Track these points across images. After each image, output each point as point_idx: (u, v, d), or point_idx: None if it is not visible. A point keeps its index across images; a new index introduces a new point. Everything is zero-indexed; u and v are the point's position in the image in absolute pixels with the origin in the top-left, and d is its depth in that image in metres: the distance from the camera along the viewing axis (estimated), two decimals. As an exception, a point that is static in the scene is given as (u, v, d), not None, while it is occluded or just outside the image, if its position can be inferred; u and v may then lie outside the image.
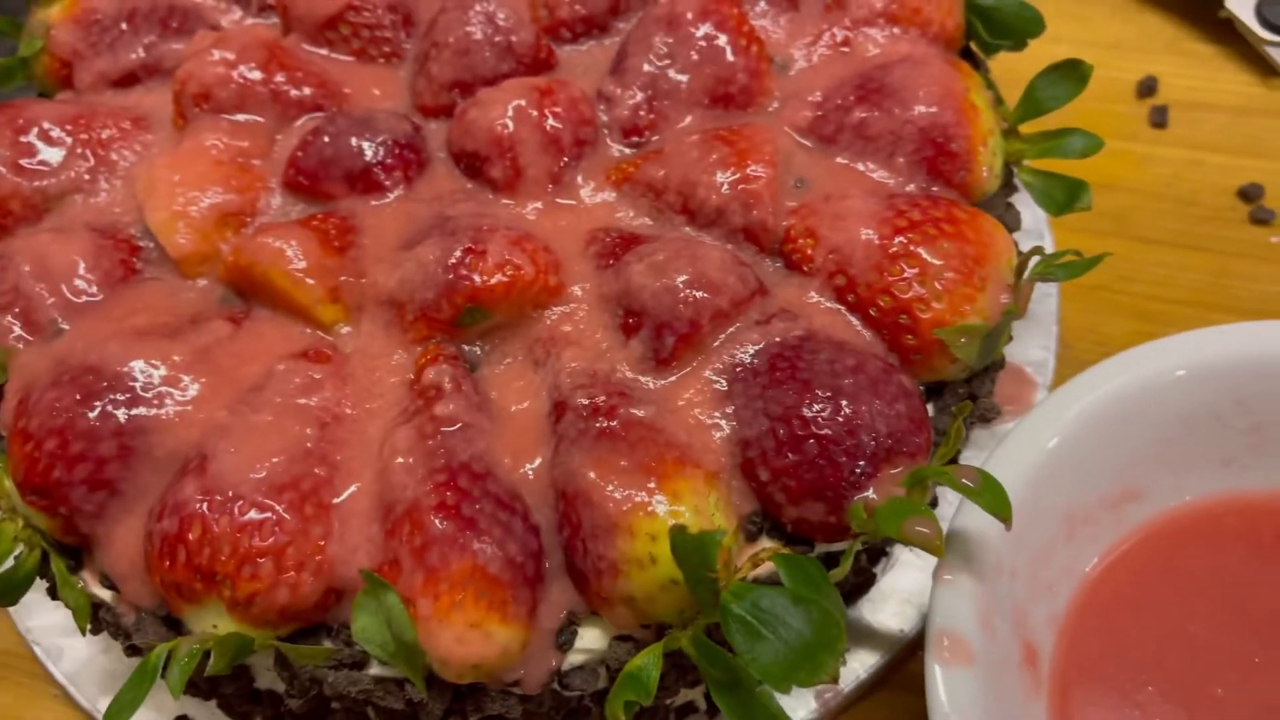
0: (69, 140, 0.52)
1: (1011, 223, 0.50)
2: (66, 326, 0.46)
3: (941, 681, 0.40)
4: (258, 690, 0.46)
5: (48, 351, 0.45)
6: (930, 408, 0.45)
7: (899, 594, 0.50)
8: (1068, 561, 0.47)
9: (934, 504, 0.48)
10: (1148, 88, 0.68)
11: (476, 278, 0.44)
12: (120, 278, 0.48)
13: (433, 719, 0.41)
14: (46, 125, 0.51)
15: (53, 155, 0.51)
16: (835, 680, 0.35)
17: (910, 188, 0.48)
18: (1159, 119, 0.67)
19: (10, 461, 0.43)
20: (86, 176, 0.52)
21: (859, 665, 0.48)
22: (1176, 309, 0.60)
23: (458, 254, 0.44)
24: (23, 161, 0.51)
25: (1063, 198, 0.49)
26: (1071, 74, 0.49)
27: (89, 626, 0.44)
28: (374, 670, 0.41)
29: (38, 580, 0.44)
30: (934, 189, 0.48)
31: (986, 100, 0.49)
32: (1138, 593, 0.48)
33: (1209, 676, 0.45)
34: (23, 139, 0.51)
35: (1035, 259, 0.44)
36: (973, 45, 0.55)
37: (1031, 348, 0.56)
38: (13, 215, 0.51)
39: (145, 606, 0.42)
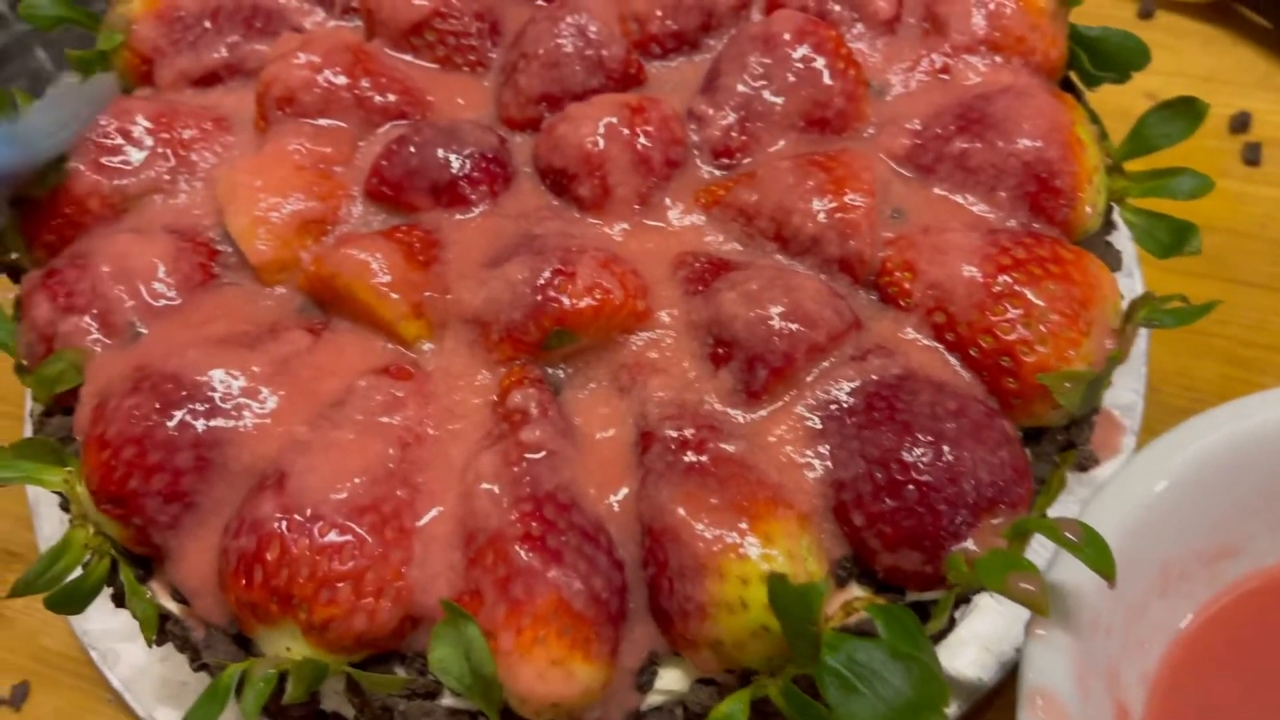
0: (150, 139, 0.51)
1: (1112, 262, 0.48)
2: (144, 330, 0.46)
3: (1036, 743, 0.39)
4: (323, 712, 0.44)
5: (126, 356, 0.45)
6: (1028, 453, 0.43)
7: (978, 640, 0.49)
8: (1161, 618, 0.46)
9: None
10: (1241, 123, 0.66)
11: (565, 300, 0.42)
12: (199, 282, 0.47)
13: (505, 754, 0.40)
14: (128, 123, 0.51)
15: (134, 154, 0.51)
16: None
17: (1011, 223, 0.46)
18: (1252, 156, 0.65)
19: (85, 468, 0.42)
20: (167, 177, 0.51)
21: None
22: (1270, 355, 0.58)
23: (546, 275, 0.43)
24: (103, 159, 0.50)
25: (1168, 240, 0.47)
26: (1186, 112, 0.47)
27: (155, 638, 0.43)
28: (447, 701, 0.40)
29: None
30: (1035, 225, 0.46)
31: (1092, 135, 0.48)
32: (1232, 652, 0.46)
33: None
34: (104, 136, 0.50)
35: (1139, 304, 0.43)
36: (1073, 76, 0.53)
37: (1121, 391, 0.54)
38: (91, 214, 0.50)
39: (216, 623, 0.41)
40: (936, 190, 0.47)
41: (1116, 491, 0.44)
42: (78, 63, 0.56)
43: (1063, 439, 0.44)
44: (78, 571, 0.43)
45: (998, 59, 0.51)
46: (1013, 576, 0.37)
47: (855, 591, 0.40)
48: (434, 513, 0.40)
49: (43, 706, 0.54)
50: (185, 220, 0.50)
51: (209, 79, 0.55)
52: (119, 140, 0.50)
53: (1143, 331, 0.57)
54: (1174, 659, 0.46)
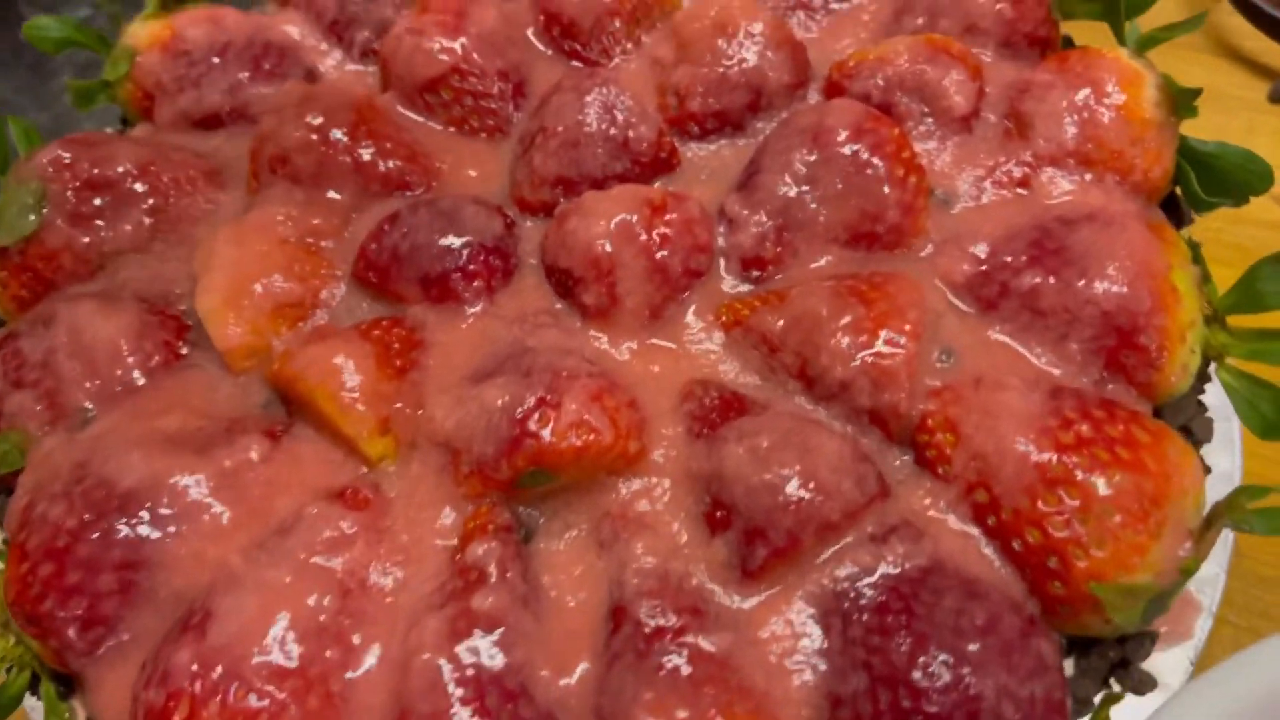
0: (134, 189, 0.47)
1: (1201, 434, 0.41)
2: (95, 414, 0.42)
3: None
4: None
5: (69, 447, 0.40)
6: (1069, 665, 0.37)
7: None
8: None
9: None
10: (1381, 240, 0.57)
11: (545, 435, 0.37)
12: (162, 362, 0.43)
13: None
14: (111, 172, 0.47)
15: (113, 207, 0.46)
16: None
17: (1082, 381, 0.39)
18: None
19: (5, 579, 0.38)
20: (146, 235, 0.47)
21: None
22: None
23: (528, 404, 0.37)
24: (81, 209, 0.46)
25: (1273, 415, 0.39)
26: (1307, 266, 0.39)
27: (75, 757, 0.39)
28: None
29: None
30: (1111, 386, 0.39)
31: (1191, 281, 0.40)
32: None
33: None
34: (84, 185, 0.46)
35: (1225, 506, 0.35)
36: (1178, 193, 0.46)
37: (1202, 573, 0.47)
38: (63, 270, 0.46)
39: (129, 763, 0.37)
40: (997, 333, 0.41)
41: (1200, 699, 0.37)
42: (80, 93, 0.52)
43: (1115, 656, 0.37)
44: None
45: (1088, 176, 0.43)
46: None
47: (844, 821, 0.34)
48: (368, 674, 0.35)
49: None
50: (158, 286, 0.45)
51: (211, 121, 0.51)
52: (100, 189, 0.46)
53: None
54: None
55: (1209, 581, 0.46)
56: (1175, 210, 0.46)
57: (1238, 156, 0.43)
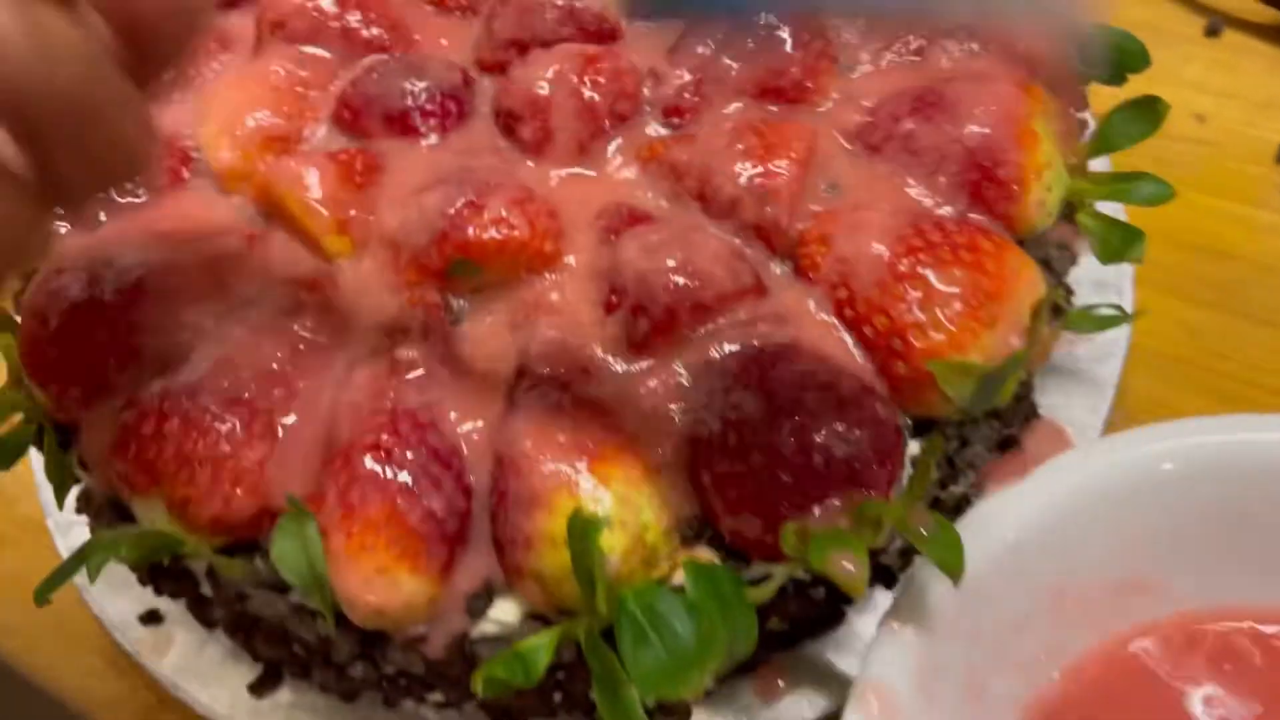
0: (156, 51, 0.54)
1: (1060, 267, 0.46)
2: (105, 219, 0.49)
3: (856, 737, 0.37)
4: (204, 596, 0.47)
5: (82, 240, 0.48)
6: (915, 445, 0.42)
7: (868, 639, 0.47)
8: (1049, 641, 0.43)
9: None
10: (1291, 153, 0.61)
11: (470, 230, 0.43)
12: (168, 183, 0.50)
13: (341, 656, 0.41)
14: (138, 34, 0.54)
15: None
16: (698, 697, 0.32)
17: (947, 209, 0.45)
18: (1297, 188, 0.60)
19: (20, 335, 0.45)
20: (165, 89, 0.54)
21: (807, 706, 0.46)
22: (1266, 398, 0.54)
23: (457, 205, 0.44)
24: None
25: (1118, 246, 0.44)
26: (1148, 111, 0.44)
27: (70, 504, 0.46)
28: (295, 598, 0.41)
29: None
30: (973, 215, 0.45)
31: (1051, 129, 0.45)
32: (1124, 698, 0.43)
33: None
34: (115, 44, 0.54)
35: (1045, 301, 0.40)
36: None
37: (1080, 410, 0.51)
38: (92, 114, 0.54)
39: (108, 494, 0.44)
40: (879, 169, 0.46)
41: (1008, 498, 0.41)
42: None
43: (954, 434, 0.42)
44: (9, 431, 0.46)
45: (975, 46, 0.49)
46: (835, 554, 0.35)
47: (702, 553, 0.40)
48: (305, 416, 0.42)
49: (7, 563, 0.58)
50: (172, 128, 0.53)
51: (229, 3, 0.58)
52: (127, 48, 0.54)
53: (1119, 351, 0.54)
54: (1058, 689, 0.43)
55: (1085, 428, 0.51)
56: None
57: (1116, 36, 0.48)
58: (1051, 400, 0.52)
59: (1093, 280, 0.54)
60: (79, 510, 0.46)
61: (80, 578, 0.53)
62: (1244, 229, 0.59)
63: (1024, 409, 0.47)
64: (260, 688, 0.49)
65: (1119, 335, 0.53)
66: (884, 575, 0.46)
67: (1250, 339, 0.56)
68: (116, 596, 0.53)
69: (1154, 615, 0.44)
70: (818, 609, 0.44)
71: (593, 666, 0.36)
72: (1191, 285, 0.57)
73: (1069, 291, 0.48)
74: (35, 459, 0.58)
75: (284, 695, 0.49)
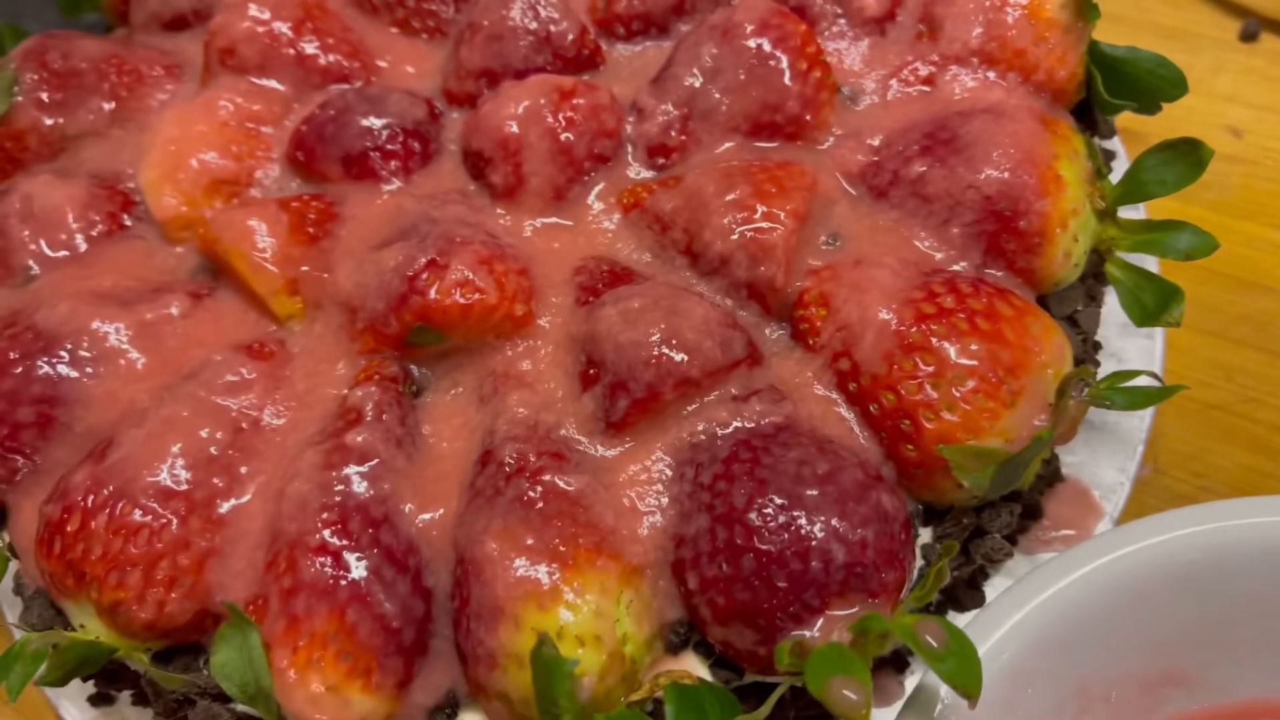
0: (96, 82, 0.50)
1: (1086, 325, 0.41)
2: (38, 273, 0.45)
3: None
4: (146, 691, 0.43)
5: (8, 297, 0.44)
6: (927, 534, 0.38)
7: (876, 729, 0.43)
8: (1076, 743, 0.39)
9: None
10: (1333, 173, 0.56)
11: (432, 294, 0.39)
12: (106, 232, 0.46)
13: (293, 772, 0.37)
14: (78, 63, 0.50)
15: (77, 95, 0.50)
16: None
17: (963, 265, 0.40)
18: (1340, 213, 0.55)
19: (-64, 409, 0.41)
20: (105, 121, 0.50)
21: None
22: (1308, 449, 0.49)
23: (418, 265, 0.39)
24: (46, 96, 0.49)
25: (1153, 305, 0.40)
26: (1189, 156, 0.39)
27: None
28: (240, 707, 0.37)
29: None
30: (991, 271, 0.40)
31: (1080, 173, 0.41)
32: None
33: None
34: (52, 74, 0.50)
35: (1074, 377, 0.36)
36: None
37: (1106, 468, 0.47)
38: (29, 150, 0.49)
39: (39, 585, 0.40)
40: (885, 218, 0.42)
41: (1026, 593, 0.37)
42: (67, 1, 0.56)
43: (969, 522, 0.38)
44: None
45: (991, 74, 0.44)
46: (835, 680, 0.31)
47: (690, 662, 0.36)
48: (249, 506, 0.38)
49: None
50: (113, 165, 0.49)
51: (178, 23, 0.54)
52: (64, 78, 0.50)
53: (1149, 407, 0.49)
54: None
55: (1112, 490, 0.47)
56: (1093, 121, 0.46)
57: (1148, 61, 0.43)
58: (1076, 459, 0.47)
59: (1118, 323, 0.50)
60: (15, 592, 0.42)
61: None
62: (1279, 259, 0.55)
63: (1046, 473, 0.43)
64: (215, 779, 0.45)
65: (1149, 380, 0.49)
66: (894, 660, 0.42)
67: (1289, 383, 0.51)
68: (65, 676, 0.49)
69: (1191, 708, 0.40)
70: (818, 711, 0.40)
71: (566, 803, 0.32)
72: (1226, 321, 0.53)
73: (1096, 349, 0.43)
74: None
75: (242, 789, 0.45)
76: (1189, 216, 0.56)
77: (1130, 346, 0.49)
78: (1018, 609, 0.37)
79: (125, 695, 0.48)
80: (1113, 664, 0.39)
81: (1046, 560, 0.39)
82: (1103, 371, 0.49)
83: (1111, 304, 0.50)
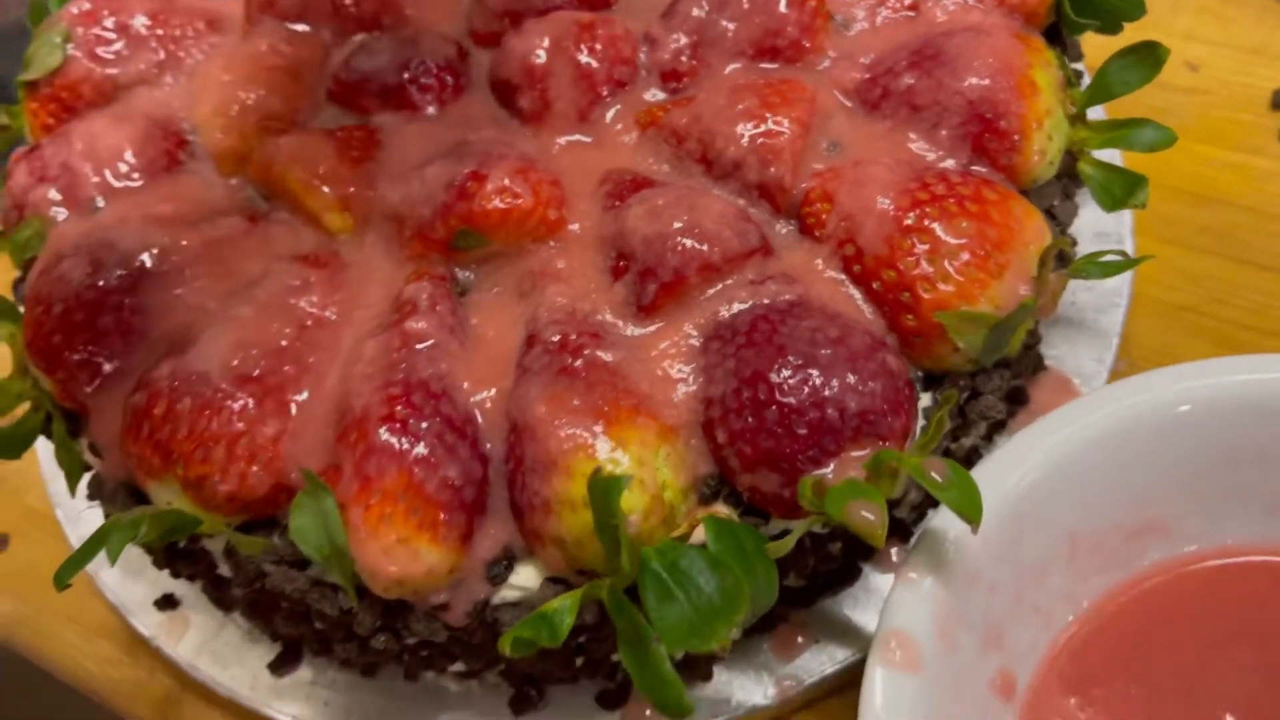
0: (145, 35, 0.54)
1: (1063, 217, 0.46)
2: (102, 205, 0.49)
3: (880, 684, 0.37)
4: (221, 577, 0.47)
5: (80, 224, 0.48)
6: (927, 398, 0.42)
7: (884, 595, 0.47)
8: (1066, 587, 0.43)
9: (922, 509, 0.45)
10: (1284, 99, 0.61)
11: (473, 201, 0.43)
12: (163, 167, 0.50)
13: (364, 629, 0.41)
14: (127, 18, 0.54)
15: (128, 47, 0.54)
16: (725, 649, 0.33)
17: (950, 163, 0.45)
18: (1291, 134, 0.60)
19: (24, 323, 0.45)
20: (155, 70, 0.54)
21: (827, 659, 0.46)
22: (1267, 341, 0.54)
23: (460, 176, 0.43)
24: (99, 50, 0.53)
25: (1120, 193, 0.44)
26: (1148, 57, 0.44)
27: (81, 491, 0.46)
28: (314, 572, 0.41)
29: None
30: (976, 167, 0.45)
31: (1051, 80, 0.45)
32: (1148, 638, 0.43)
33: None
34: (104, 28, 0.54)
35: (1053, 249, 0.41)
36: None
37: (1085, 359, 0.52)
38: (84, 99, 0.53)
39: (121, 478, 0.44)
40: (880, 126, 0.46)
41: (1020, 446, 0.42)
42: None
43: (966, 385, 0.42)
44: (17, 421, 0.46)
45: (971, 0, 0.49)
46: (853, 504, 0.36)
47: (720, 512, 0.40)
48: (319, 391, 0.42)
49: (18, 556, 0.58)
50: (164, 111, 0.52)
51: (216, -18, 0.58)
52: (115, 33, 0.54)
53: (1123, 300, 0.54)
54: (1078, 635, 0.43)
55: (1091, 377, 0.51)
56: (1062, 45, 0.51)
57: (1110, -16, 0.48)
58: (1057, 351, 0.52)
59: (1094, 232, 0.54)
60: (90, 498, 0.46)
61: (93, 565, 0.53)
62: (1241, 176, 0.59)
63: (1031, 360, 0.48)
64: (280, 666, 0.49)
65: (1121, 285, 0.54)
66: (900, 530, 0.47)
67: (1249, 284, 0.56)
68: (131, 583, 0.53)
69: (1169, 555, 0.44)
70: (835, 564, 0.44)
71: (619, 625, 0.36)
72: (1190, 233, 0.58)
73: (1073, 240, 0.48)
74: (42, 451, 0.58)
75: (304, 673, 0.49)
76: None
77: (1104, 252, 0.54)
78: (1013, 463, 0.42)
79: (190, 598, 0.52)
80: (1099, 514, 0.43)
81: (1039, 419, 0.43)
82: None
83: (1086, 218, 0.55)
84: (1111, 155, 0.49)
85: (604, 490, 0.34)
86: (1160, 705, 0.42)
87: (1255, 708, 0.41)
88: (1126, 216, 0.56)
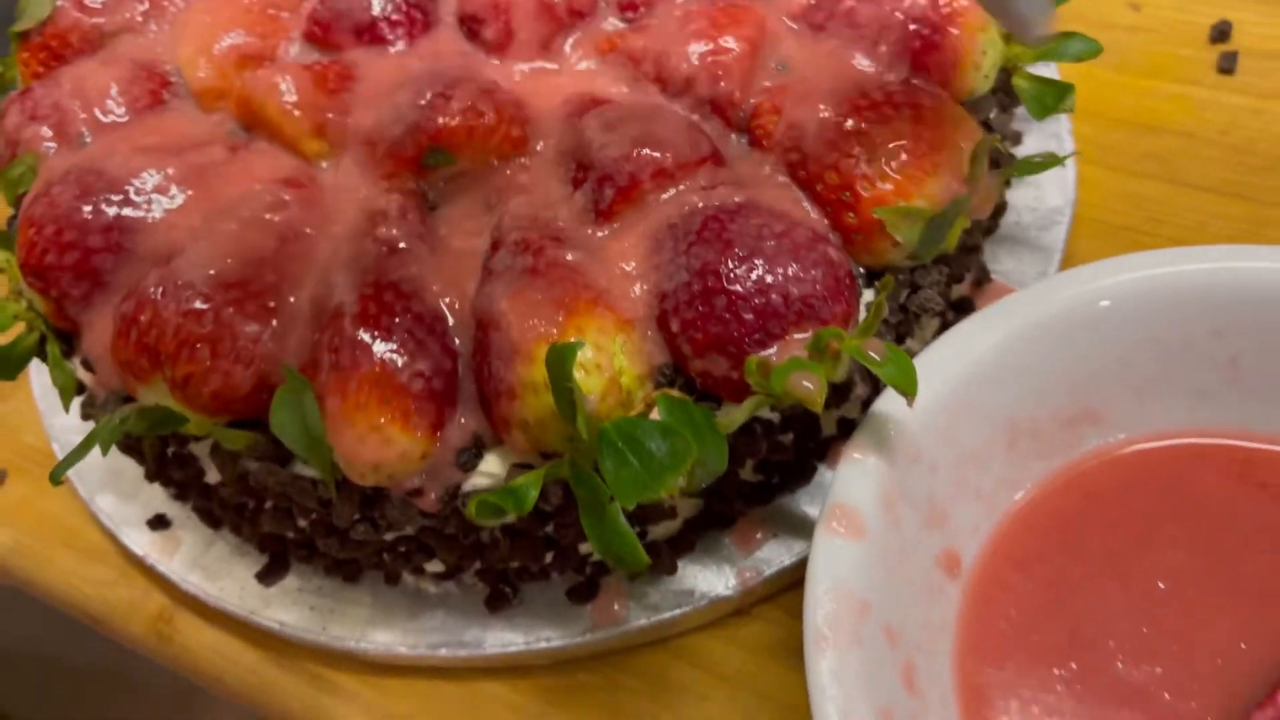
0: (130, -15, 0.57)
1: (999, 127, 0.49)
2: (90, 140, 0.51)
3: (823, 549, 0.40)
4: (209, 485, 0.49)
5: (70, 157, 0.50)
6: (870, 294, 0.45)
7: (840, 492, 0.50)
8: (1007, 472, 0.46)
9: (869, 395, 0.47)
10: (1221, 32, 0.64)
11: (440, 119, 0.46)
12: (147, 104, 0.53)
13: (343, 521, 0.44)
14: (113, -30, 0.57)
15: (113, -2, 0.56)
16: (673, 495, 0.35)
17: (891, 78, 0.47)
18: (1227, 65, 0.63)
19: (18, 245, 0.48)
20: (139, 19, 0.56)
21: (785, 551, 0.48)
22: (1204, 256, 0.57)
23: (427, 98, 0.46)
24: (86, 0, 0.56)
25: (1051, 101, 0.47)
26: (1072, -27, 0.47)
27: (75, 408, 0.49)
28: (295, 469, 0.44)
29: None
30: (916, 82, 0.47)
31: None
32: (1085, 518, 0.46)
33: (1136, 620, 0.43)
34: (90, -20, 0.56)
35: (982, 146, 0.43)
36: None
37: (1029, 274, 0.54)
38: (72, 48, 0.56)
39: (113, 388, 0.46)
40: (825, 46, 0.49)
41: (960, 335, 0.44)
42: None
43: (905, 279, 0.45)
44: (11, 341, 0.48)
45: (910, -70, 0.51)
46: (795, 374, 0.38)
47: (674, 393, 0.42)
48: (298, 296, 0.44)
49: (15, 491, 0.61)
50: (148, 55, 0.55)
51: (198, -61, 0.61)
52: (102, -16, 0.56)
53: (1064, 219, 0.56)
54: (1019, 517, 0.46)
55: (1030, 277, 0.54)
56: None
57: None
58: (1003, 266, 0.55)
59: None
60: (84, 417, 0.49)
61: (88, 491, 0.56)
62: (1179, 105, 0.62)
63: (974, 265, 0.50)
64: (267, 576, 0.51)
65: (1064, 205, 0.56)
66: (849, 429, 0.49)
67: (1187, 204, 0.59)
68: (124, 505, 0.55)
69: (1104, 441, 0.47)
70: (788, 456, 0.46)
71: (579, 495, 0.38)
72: (1131, 159, 0.60)
73: (1006, 140, 0.50)
74: (38, 389, 0.61)
75: (290, 581, 0.51)
76: (1095, 77, 0.64)
77: (1047, 178, 0.57)
78: (953, 352, 0.44)
79: (180, 519, 0.54)
80: (1036, 403, 0.46)
81: (976, 312, 0.46)
82: (1025, 197, 0.57)
83: (1031, 146, 0.58)
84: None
85: (559, 357, 0.36)
86: (1099, 580, 0.44)
87: (1183, 578, 0.44)
88: (1069, 144, 0.58)
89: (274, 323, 0.43)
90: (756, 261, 0.41)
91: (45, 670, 0.64)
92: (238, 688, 0.52)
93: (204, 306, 0.43)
